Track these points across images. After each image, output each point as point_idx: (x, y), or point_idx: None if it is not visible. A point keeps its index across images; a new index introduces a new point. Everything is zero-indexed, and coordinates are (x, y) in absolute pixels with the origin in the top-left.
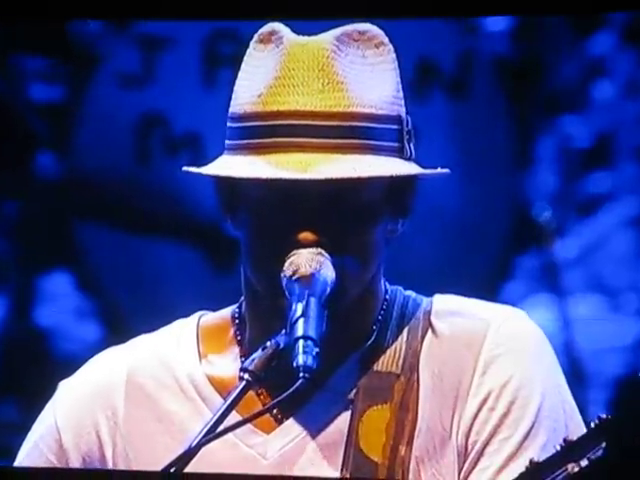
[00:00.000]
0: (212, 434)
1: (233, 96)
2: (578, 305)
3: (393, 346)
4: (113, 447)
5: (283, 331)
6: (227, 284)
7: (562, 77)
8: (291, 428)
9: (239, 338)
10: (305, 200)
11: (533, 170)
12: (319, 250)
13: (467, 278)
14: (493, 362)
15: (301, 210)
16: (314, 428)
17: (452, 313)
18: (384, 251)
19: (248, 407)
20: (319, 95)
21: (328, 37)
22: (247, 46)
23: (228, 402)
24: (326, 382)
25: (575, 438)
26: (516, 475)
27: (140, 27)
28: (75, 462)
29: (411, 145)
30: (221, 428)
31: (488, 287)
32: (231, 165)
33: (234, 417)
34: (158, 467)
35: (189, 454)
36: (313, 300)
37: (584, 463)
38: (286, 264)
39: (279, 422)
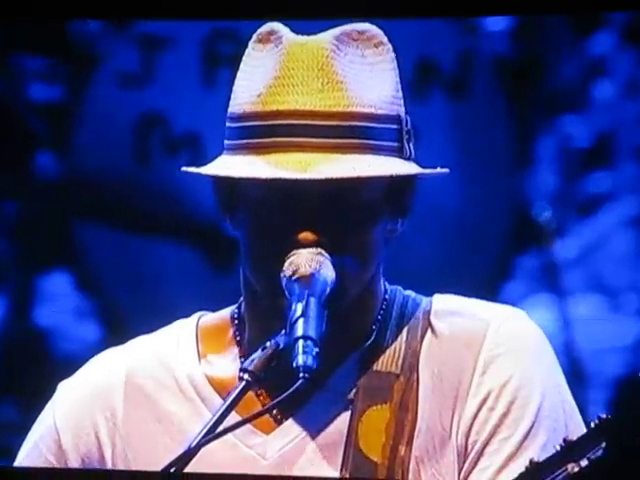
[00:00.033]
0: (212, 434)
1: (232, 96)
2: (578, 305)
3: (393, 346)
4: (112, 448)
5: (283, 331)
6: (227, 284)
7: (562, 77)
8: (291, 428)
9: (238, 338)
10: (305, 200)
11: (533, 170)
12: (319, 250)
13: (467, 278)
14: (493, 362)
15: (301, 210)
16: (314, 428)
17: (452, 313)
18: (383, 251)
19: (248, 407)
20: (319, 95)
21: (327, 37)
22: (246, 46)
23: (228, 402)
24: (326, 382)
25: (575, 438)
26: (516, 475)
27: (140, 27)
28: (74, 463)
29: (410, 145)
30: (221, 428)
31: (488, 287)
32: (230, 165)
33: (234, 417)
34: (157, 468)
35: (189, 454)
36: (313, 300)
37: (584, 463)
38: (286, 264)
39: (278, 422)
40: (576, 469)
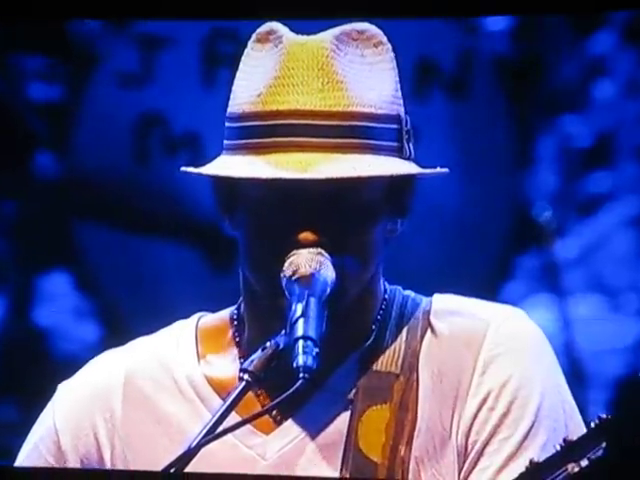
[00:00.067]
0: (212, 435)
1: (231, 96)
2: (578, 305)
3: (392, 346)
4: (111, 449)
5: (283, 331)
6: (226, 284)
7: (562, 77)
8: (290, 429)
9: (237, 339)
10: (305, 200)
11: (533, 170)
12: (319, 250)
13: (467, 278)
14: (493, 362)
15: (301, 210)
16: (313, 429)
17: (451, 313)
18: (383, 251)
19: (247, 408)
20: (319, 94)
21: (327, 36)
22: (245, 46)
23: (228, 403)
24: (325, 382)
25: (575, 438)
26: (516, 475)
27: (139, 27)
28: (73, 464)
29: (410, 145)
30: (220, 429)
31: (488, 287)
32: (230, 165)
33: (233, 418)
34: (157, 468)
35: (189, 455)
36: (313, 300)
37: (584, 463)
38: (286, 264)
39: (278, 423)
40: (576, 469)
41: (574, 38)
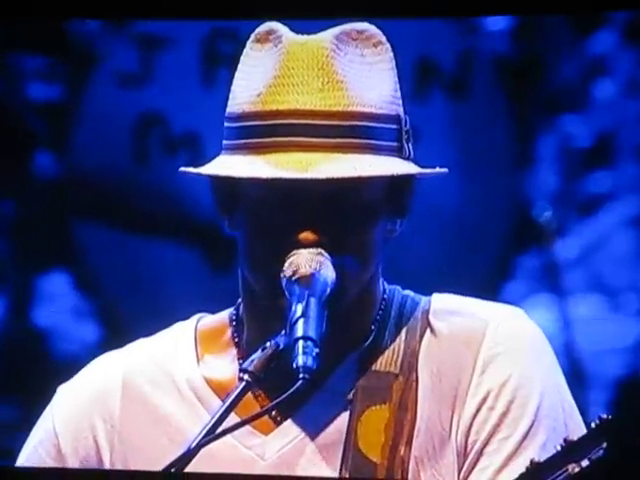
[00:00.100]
0: (211, 435)
1: (230, 96)
2: (578, 305)
3: (391, 346)
4: (111, 451)
5: (283, 332)
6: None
7: (563, 76)
8: (289, 429)
9: (237, 340)
10: (306, 200)
11: (533, 170)
12: (319, 250)
13: (467, 278)
14: (492, 361)
15: (301, 210)
16: (313, 429)
17: (451, 312)
18: (382, 251)
19: (246, 409)
20: (319, 94)
21: (327, 36)
22: (244, 46)
23: (227, 403)
24: (324, 382)
25: (575, 438)
26: (516, 475)
27: (139, 26)
28: (73, 467)
29: (410, 145)
30: (220, 429)
31: (488, 287)
32: (230, 165)
33: (233, 419)
34: (156, 469)
35: (188, 455)
36: (313, 300)
37: (585, 463)
38: (286, 264)
39: (277, 423)
40: (577, 469)
41: (574, 38)
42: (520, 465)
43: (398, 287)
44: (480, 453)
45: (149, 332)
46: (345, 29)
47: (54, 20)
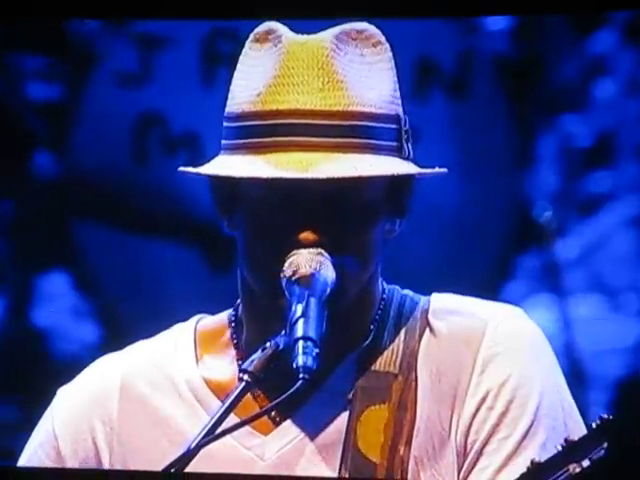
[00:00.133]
0: (211, 436)
1: (229, 96)
2: (579, 305)
3: (391, 345)
4: (110, 453)
5: (282, 332)
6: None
7: (563, 76)
8: (289, 429)
9: (235, 341)
10: (306, 200)
11: (534, 169)
12: (319, 250)
13: (467, 278)
14: (491, 361)
15: (302, 210)
16: (312, 429)
17: (450, 312)
18: (382, 251)
19: (246, 409)
20: (319, 94)
21: (327, 36)
22: (243, 46)
23: (227, 403)
24: (324, 383)
25: (575, 437)
26: (516, 474)
27: (138, 26)
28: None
29: (409, 145)
30: (220, 430)
31: (489, 287)
32: (230, 165)
33: (232, 419)
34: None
35: (188, 455)
36: (313, 300)
37: (586, 463)
38: (286, 264)
39: (277, 424)
40: (578, 469)
41: (574, 37)
42: (520, 465)
43: (397, 287)
44: (480, 453)
45: (149, 332)
46: (345, 29)
47: (54, 20)
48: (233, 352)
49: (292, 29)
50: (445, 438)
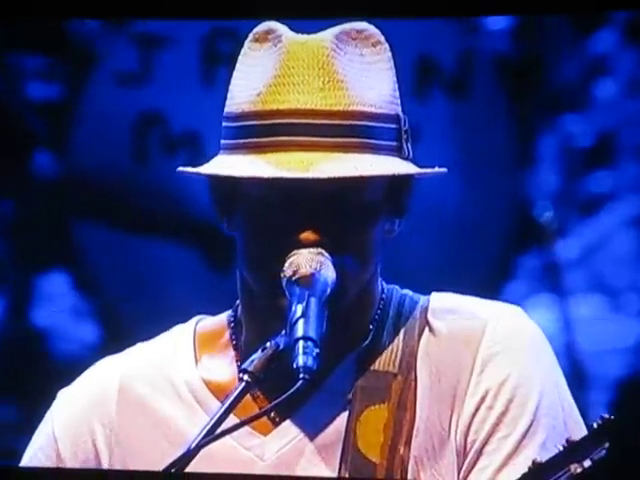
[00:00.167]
0: (210, 436)
1: (228, 95)
2: (579, 305)
3: (390, 345)
4: (110, 455)
5: (283, 332)
6: (226, 284)
7: (563, 76)
8: (288, 430)
9: (235, 342)
10: (307, 199)
11: (534, 169)
12: (319, 250)
13: (468, 278)
14: (491, 360)
15: (303, 209)
16: (311, 429)
17: (449, 311)
18: (381, 251)
19: (245, 410)
20: (319, 93)
21: (327, 35)
22: (242, 45)
23: (227, 403)
24: (323, 383)
25: (575, 436)
26: (516, 474)
27: (138, 25)
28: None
29: (408, 145)
30: (219, 430)
31: (489, 287)
32: (230, 165)
33: (232, 420)
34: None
35: (188, 456)
36: (313, 300)
37: (587, 464)
38: (286, 264)
39: (276, 424)
40: (579, 470)
41: (575, 37)
42: (520, 464)
43: (396, 286)
44: (479, 452)
45: (148, 332)
46: (345, 28)
47: (54, 20)
48: (232, 353)
49: (292, 29)
50: (445, 438)
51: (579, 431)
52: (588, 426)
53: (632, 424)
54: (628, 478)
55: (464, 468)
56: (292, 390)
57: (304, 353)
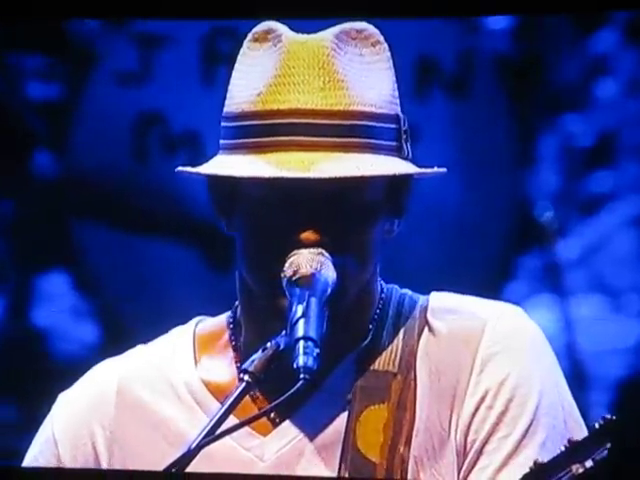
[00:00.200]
0: (210, 437)
1: (228, 95)
2: (580, 306)
3: (390, 345)
4: (109, 457)
5: (283, 332)
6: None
7: (564, 76)
8: (288, 430)
9: (234, 343)
10: (308, 199)
11: (535, 169)
12: (320, 250)
13: (468, 278)
14: (490, 360)
15: (303, 209)
16: (311, 429)
17: (449, 311)
18: (381, 251)
19: (245, 411)
20: (320, 93)
21: (327, 35)
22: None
23: (228, 404)
24: (323, 383)
25: (575, 436)
26: (516, 473)
27: (138, 25)
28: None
29: (408, 145)
30: (219, 431)
31: (490, 287)
32: (230, 165)
33: (231, 421)
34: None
35: (187, 456)
36: (314, 300)
37: (589, 464)
38: (286, 264)
39: (276, 424)
40: (581, 470)
41: (576, 37)
42: (520, 464)
43: (396, 286)
44: (480, 452)
45: (148, 332)
46: (344, 28)
47: (54, 20)
48: (232, 354)
49: (292, 29)
50: (445, 437)
51: (579, 431)
52: (589, 426)
53: (634, 424)
54: (629, 478)
55: (464, 468)
56: (293, 390)
57: (304, 353)
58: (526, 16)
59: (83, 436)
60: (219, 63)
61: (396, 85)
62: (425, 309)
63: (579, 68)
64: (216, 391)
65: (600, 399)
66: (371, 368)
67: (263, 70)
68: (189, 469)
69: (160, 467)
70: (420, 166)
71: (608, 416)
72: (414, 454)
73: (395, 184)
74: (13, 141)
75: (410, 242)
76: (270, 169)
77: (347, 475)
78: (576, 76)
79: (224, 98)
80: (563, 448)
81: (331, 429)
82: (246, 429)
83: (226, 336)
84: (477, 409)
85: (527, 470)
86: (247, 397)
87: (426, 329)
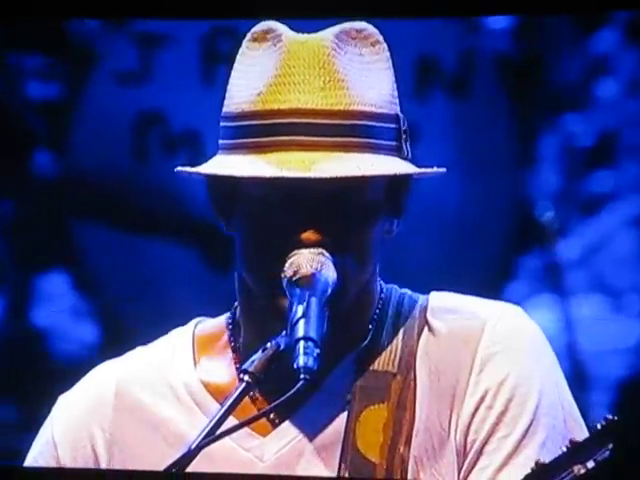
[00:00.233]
0: (210, 437)
1: (227, 95)
2: (581, 306)
3: (389, 345)
4: (109, 459)
5: (283, 332)
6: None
7: (564, 75)
8: (287, 431)
9: (233, 344)
10: (308, 199)
11: (535, 169)
12: (320, 250)
13: (469, 278)
14: (490, 360)
15: (304, 209)
16: (311, 430)
17: (448, 310)
18: (380, 251)
19: (244, 412)
20: (320, 93)
21: (328, 35)
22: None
23: (228, 404)
24: (322, 383)
25: (575, 436)
26: (516, 473)
27: (138, 25)
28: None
29: (407, 145)
30: (219, 431)
31: (490, 287)
32: (231, 164)
33: (231, 422)
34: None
35: (187, 457)
36: (314, 300)
37: (590, 465)
38: (287, 265)
39: (275, 425)
40: (582, 471)
41: (576, 37)
42: (520, 464)
43: (395, 286)
44: (480, 452)
45: (148, 332)
46: (344, 28)
47: (54, 20)
48: (231, 355)
49: (292, 29)
50: (445, 437)
51: (579, 431)
52: (589, 426)
53: (635, 425)
54: (631, 479)
55: (464, 468)
56: (293, 390)
57: (305, 353)
58: (526, 16)
59: (82, 438)
60: (219, 63)
61: (395, 85)
62: (425, 309)
63: (579, 68)
64: (215, 392)
65: (601, 399)
66: (371, 368)
67: (263, 70)
68: (189, 469)
69: (160, 468)
70: (420, 166)
71: (610, 417)
72: (414, 454)
73: (395, 184)
74: (13, 141)
75: (410, 242)
76: (271, 169)
77: (347, 475)
78: (576, 76)
79: (224, 98)
80: (565, 448)
81: (331, 429)
82: (246, 430)
83: (225, 337)
84: (477, 409)
85: (527, 470)
86: (247, 399)
87: (426, 329)
